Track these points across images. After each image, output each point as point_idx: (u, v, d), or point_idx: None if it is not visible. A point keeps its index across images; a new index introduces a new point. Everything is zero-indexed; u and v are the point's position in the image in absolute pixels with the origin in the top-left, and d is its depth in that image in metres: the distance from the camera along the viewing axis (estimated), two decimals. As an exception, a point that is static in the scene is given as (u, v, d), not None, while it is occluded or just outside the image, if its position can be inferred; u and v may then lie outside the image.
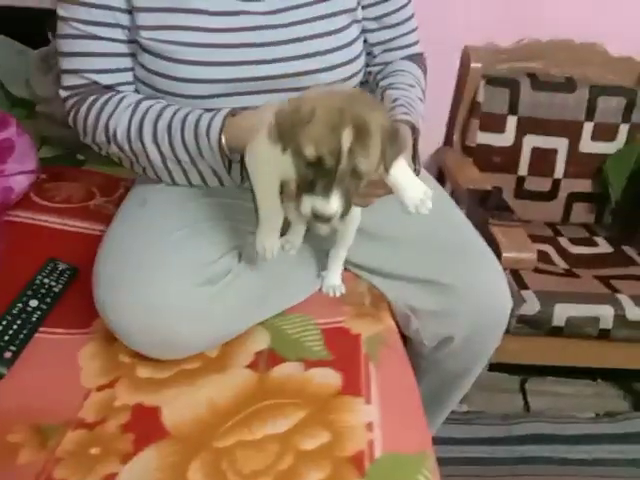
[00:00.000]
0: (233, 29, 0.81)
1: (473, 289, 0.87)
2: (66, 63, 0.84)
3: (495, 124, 1.53)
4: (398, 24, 0.92)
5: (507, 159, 1.56)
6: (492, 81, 1.51)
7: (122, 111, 0.81)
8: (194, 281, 0.77)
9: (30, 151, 1.11)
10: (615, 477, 1.30)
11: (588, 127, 1.54)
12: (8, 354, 0.79)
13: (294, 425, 0.72)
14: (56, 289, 0.90)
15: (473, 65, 1.51)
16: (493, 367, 1.34)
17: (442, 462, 0.73)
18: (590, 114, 1.53)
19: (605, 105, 1.52)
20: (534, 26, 1.50)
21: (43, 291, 0.89)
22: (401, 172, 0.67)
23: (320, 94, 0.61)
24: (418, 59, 0.97)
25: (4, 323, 0.82)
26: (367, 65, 0.94)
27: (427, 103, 1.35)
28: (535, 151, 1.56)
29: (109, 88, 0.83)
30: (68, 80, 0.84)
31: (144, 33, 0.80)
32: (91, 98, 0.83)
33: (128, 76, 0.85)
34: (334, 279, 0.92)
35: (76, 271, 0.94)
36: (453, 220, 0.96)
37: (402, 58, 0.95)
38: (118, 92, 0.84)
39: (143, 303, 0.74)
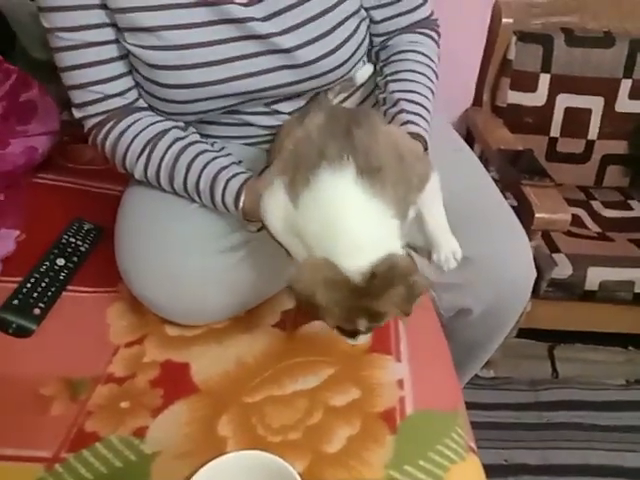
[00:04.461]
0: (213, 22, 0.72)
1: (493, 262, 0.83)
2: (68, 79, 0.75)
3: (527, 83, 1.47)
4: None
5: (539, 120, 1.49)
6: (524, 37, 1.44)
7: (135, 156, 0.76)
8: (217, 248, 0.75)
9: (53, 112, 1.10)
10: (646, 444, 1.28)
11: (626, 84, 1.46)
12: (37, 310, 0.79)
13: (323, 381, 0.71)
14: (82, 248, 0.90)
15: (504, 20, 1.44)
16: (521, 333, 1.32)
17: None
18: (629, 70, 1.45)
19: (646, 60, 1.45)
20: (571, -23, 1.42)
21: (70, 250, 0.89)
22: (437, 226, 0.71)
23: (331, 280, 0.57)
24: (426, 26, 0.85)
25: (32, 281, 0.82)
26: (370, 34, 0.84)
27: (456, 62, 1.30)
28: (568, 111, 1.49)
29: (119, 96, 0.76)
30: (76, 97, 0.76)
31: (125, 35, 0.72)
32: (105, 128, 0.77)
33: (130, 80, 0.77)
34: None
35: (102, 231, 0.94)
36: (477, 187, 0.91)
37: (408, 26, 0.84)
38: (131, 112, 0.77)
39: (166, 271, 0.73)
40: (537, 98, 1.48)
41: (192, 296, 0.75)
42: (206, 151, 0.76)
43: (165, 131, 0.77)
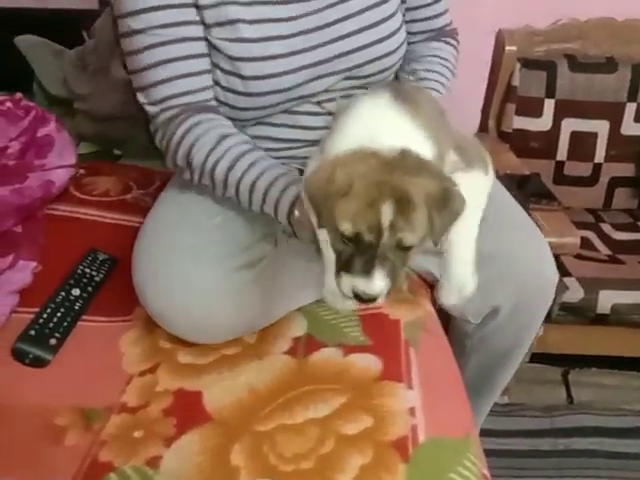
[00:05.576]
0: (294, 17, 0.79)
1: (516, 255, 0.84)
2: (150, 76, 0.78)
3: (532, 108, 1.49)
4: None
5: (545, 144, 1.51)
6: (528, 64, 1.47)
7: (207, 149, 0.77)
8: (231, 266, 0.77)
9: (69, 146, 1.13)
10: (666, 471, 1.25)
11: (631, 108, 1.48)
12: (53, 341, 0.80)
13: (335, 410, 0.71)
14: (97, 278, 0.92)
15: (508, 48, 1.47)
16: (534, 358, 1.31)
17: (484, 454, 0.70)
18: (633, 94, 1.46)
19: (649, 85, 1.47)
20: (571, 5, 1.45)
21: (85, 280, 0.91)
22: (460, 249, 0.64)
23: (356, 157, 0.53)
24: (447, 35, 0.94)
25: (48, 311, 0.84)
26: None
27: (461, 88, 1.32)
28: (574, 135, 1.51)
29: (199, 92, 0.79)
30: (156, 93, 0.78)
31: (212, 30, 0.78)
32: (178, 119, 0.78)
33: (210, 78, 0.80)
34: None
35: (116, 261, 0.96)
36: (494, 193, 0.93)
37: (429, 32, 0.92)
38: (206, 110, 0.79)
39: (181, 287, 0.75)
40: (542, 123, 1.50)
41: (204, 312, 0.76)
42: (268, 157, 0.78)
43: (237, 133, 0.80)
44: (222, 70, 0.79)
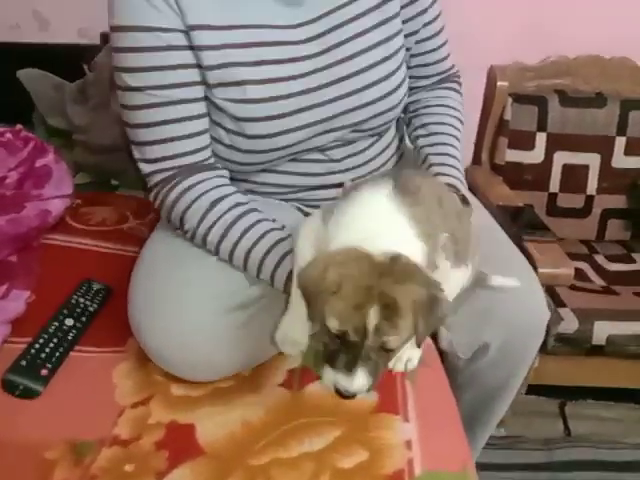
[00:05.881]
0: (302, 75, 0.79)
1: (504, 290, 0.83)
2: (144, 134, 0.77)
3: (524, 141, 1.52)
4: (428, 39, 0.90)
5: (538, 176, 1.53)
6: (519, 99, 1.51)
7: (200, 213, 0.77)
8: (227, 306, 0.76)
9: (66, 177, 1.14)
10: (667, 507, 1.23)
11: (620, 142, 1.51)
12: (44, 372, 0.79)
13: (330, 443, 0.70)
14: (91, 308, 0.91)
15: (500, 84, 1.50)
16: (531, 389, 1.30)
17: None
18: (622, 129, 1.50)
19: (637, 119, 1.50)
20: (561, 43, 1.50)
21: (78, 310, 0.90)
22: None
23: (349, 257, 0.55)
24: (453, 78, 0.97)
25: (41, 342, 0.83)
26: None
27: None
28: (566, 167, 1.53)
29: (195, 152, 0.78)
30: (151, 152, 0.78)
31: (214, 90, 0.77)
32: (172, 183, 0.78)
33: (208, 137, 0.80)
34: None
35: (110, 291, 0.96)
36: (483, 224, 0.93)
37: (436, 75, 0.94)
38: (200, 170, 0.79)
39: (176, 326, 0.74)
40: (535, 156, 1.53)
41: (200, 351, 0.75)
42: (264, 220, 0.78)
43: (230, 194, 0.79)
44: (226, 129, 0.79)
